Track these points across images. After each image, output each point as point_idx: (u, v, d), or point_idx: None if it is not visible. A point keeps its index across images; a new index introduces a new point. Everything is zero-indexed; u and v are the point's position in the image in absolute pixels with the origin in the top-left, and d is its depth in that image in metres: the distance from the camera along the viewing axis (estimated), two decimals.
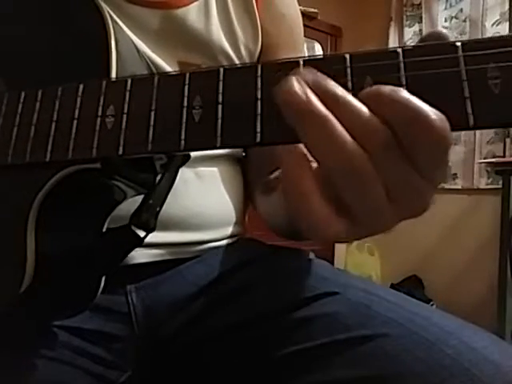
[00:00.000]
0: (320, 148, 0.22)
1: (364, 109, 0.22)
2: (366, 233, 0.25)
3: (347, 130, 0.22)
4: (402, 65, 0.23)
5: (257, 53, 0.58)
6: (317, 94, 0.22)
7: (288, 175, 0.24)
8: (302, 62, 0.24)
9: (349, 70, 0.23)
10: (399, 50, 0.23)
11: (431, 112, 0.21)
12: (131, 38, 0.47)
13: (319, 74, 0.23)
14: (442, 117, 0.21)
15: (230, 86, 0.25)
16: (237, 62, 0.56)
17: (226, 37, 0.54)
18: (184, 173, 0.42)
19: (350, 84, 0.23)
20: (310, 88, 0.22)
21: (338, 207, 0.23)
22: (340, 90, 0.22)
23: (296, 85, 0.22)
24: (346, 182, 0.22)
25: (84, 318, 0.43)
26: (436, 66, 0.22)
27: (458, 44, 0.22)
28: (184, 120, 0.26)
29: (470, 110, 0.21)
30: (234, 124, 0.25)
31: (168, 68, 0.50)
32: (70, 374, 0.42)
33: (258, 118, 0.24)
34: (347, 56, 0.24)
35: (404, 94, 0.21)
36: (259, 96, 0.25)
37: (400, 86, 0.22)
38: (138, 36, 0.49)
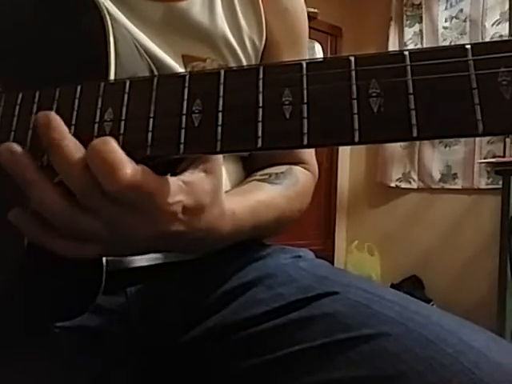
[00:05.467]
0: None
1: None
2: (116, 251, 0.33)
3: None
4: (408, 68, 0.22)
5: (261, 47, 0.57)
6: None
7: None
8: (304, 65, 0.24)
9: (353, 73, 0.23)
10: (406, 52, 0.22)
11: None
12: (134, 32, 0.47)
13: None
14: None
15: (231, 89, 0.25)
16: (241, 54, 0.55)
17: (230, 29, 0.54)
18: None
19: (354, 87, 0.22)
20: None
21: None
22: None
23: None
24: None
25: (84, 319, 0.43)
26: (444, 70, 0.21)
27: (468, 47, 0.21)
28: (183, 123, 0.25)
29: (479, 117, 0.20)
30: (234, 128, 0.24)
31: (172, 62, 0.49)
32: (69, 374, 0.41)
33: (260, 122, 0.24)
34: (352, 58, 0.23)
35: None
36: (261, 99, 0.24)
37: (407, 90, 0.21)
38: (140, 29, 0.48)
